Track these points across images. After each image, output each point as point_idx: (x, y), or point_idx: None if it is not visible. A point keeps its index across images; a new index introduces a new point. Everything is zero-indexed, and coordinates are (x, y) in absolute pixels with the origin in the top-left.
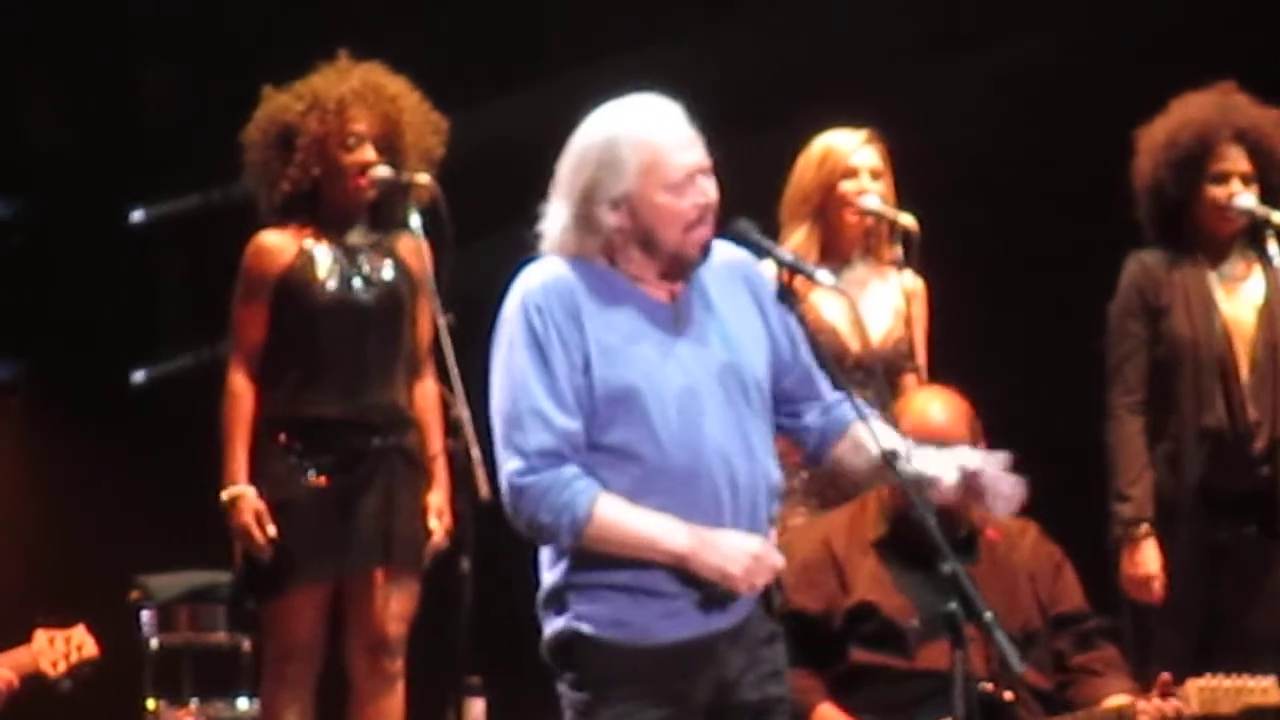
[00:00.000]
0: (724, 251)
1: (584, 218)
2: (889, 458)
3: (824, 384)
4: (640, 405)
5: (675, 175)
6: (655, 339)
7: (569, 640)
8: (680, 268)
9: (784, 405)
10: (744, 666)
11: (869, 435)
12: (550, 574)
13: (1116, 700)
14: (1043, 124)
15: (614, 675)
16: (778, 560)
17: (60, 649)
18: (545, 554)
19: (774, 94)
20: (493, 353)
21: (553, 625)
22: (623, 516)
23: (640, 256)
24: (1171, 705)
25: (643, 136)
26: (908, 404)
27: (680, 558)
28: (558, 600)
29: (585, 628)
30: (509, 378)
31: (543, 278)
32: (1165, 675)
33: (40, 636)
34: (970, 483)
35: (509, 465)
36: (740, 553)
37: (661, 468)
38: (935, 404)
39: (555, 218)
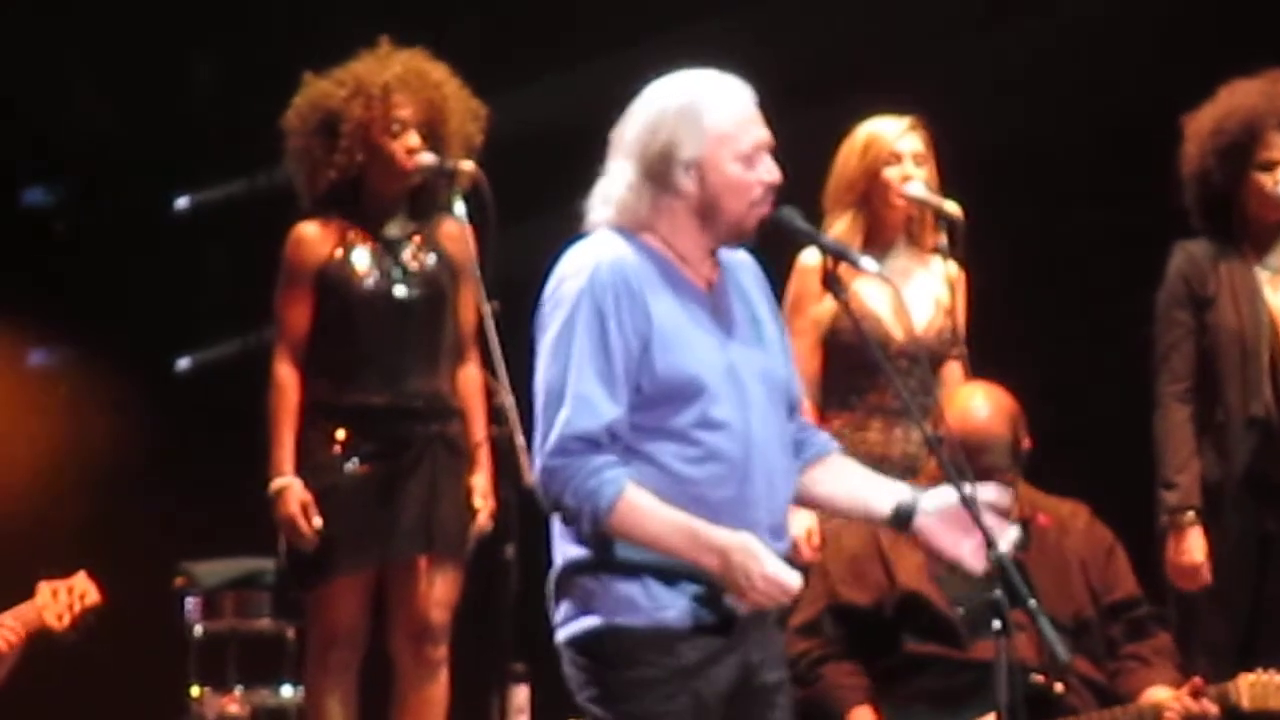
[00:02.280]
0: (738, 253)
1: (655, 177)
2: (902, 515)
3: (803, 402)
4: (701, 390)
5: (746, 147)
6: (709, 328)
7: (600, 634)
8: (733, 240)
9: None
10: (763, 649)
11: (870, 481)
12: (576, 549)
13: (1151, 697)
14: (1086, 110)
15: (648, 659)
16: (794, 583)
17: (64, 600)
18: (567, 531)
19: (812, 76)
20: (544, 323)
21: (580, 622)
22: (645, 515)
23: (696, 229)
24: (1201, 705)
25: (721, 104)
26: (951, 399)
27: (704, 568)
28: (587, 579)
29: (621, 620)
30: (562, 354)
31: (610, 256)
32: (1197, 679)
33: (44, 589)
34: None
35: (546, 444)
36: (759, 570)
37: (717, 454)
38: (978, 399)
39: (618, 179)
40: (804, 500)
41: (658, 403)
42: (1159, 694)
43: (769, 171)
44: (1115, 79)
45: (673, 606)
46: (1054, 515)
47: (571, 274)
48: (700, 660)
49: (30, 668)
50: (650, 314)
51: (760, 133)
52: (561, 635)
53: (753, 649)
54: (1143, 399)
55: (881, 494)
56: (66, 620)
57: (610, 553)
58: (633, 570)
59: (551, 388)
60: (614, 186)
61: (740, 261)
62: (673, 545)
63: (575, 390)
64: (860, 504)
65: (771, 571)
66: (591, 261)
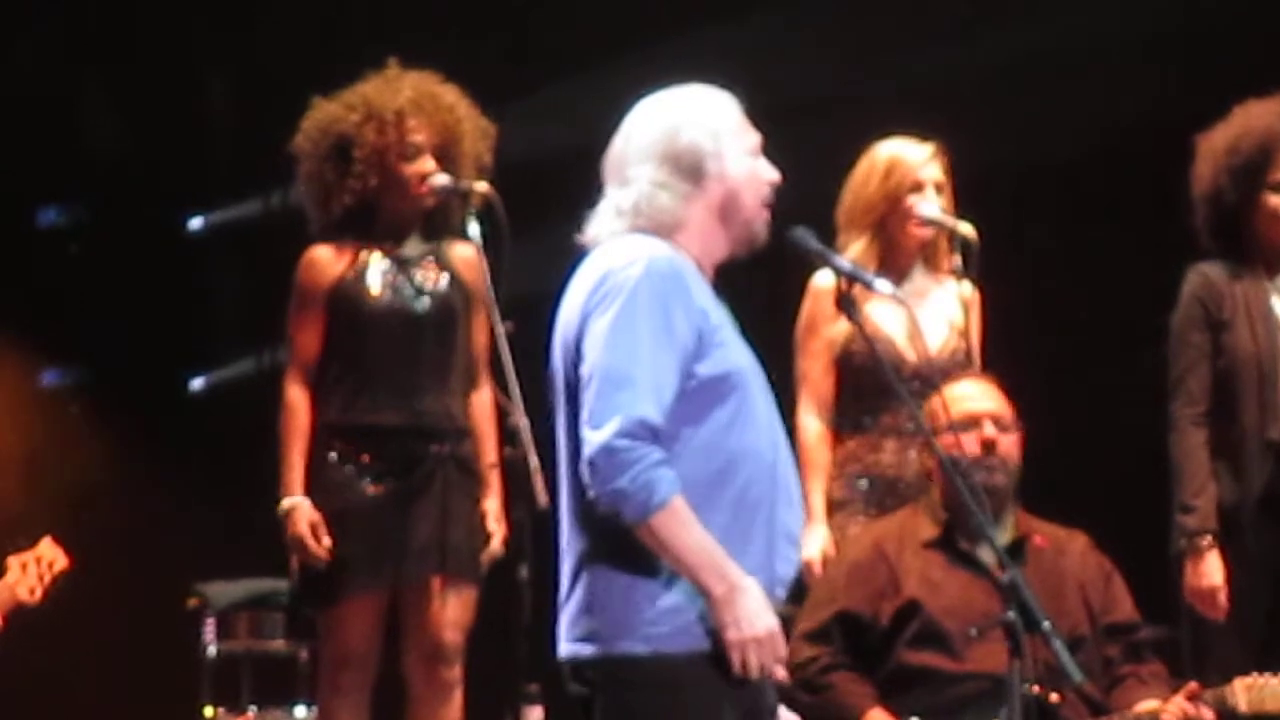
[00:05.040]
0: None
1: (686, 171)
2: None
3: None
4: (742, 384)
5: (754, 144)
6: (731, 325)
7: (641, 660)
8: (746, 243)
9: None
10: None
11: None
12: (608, 564)
13: (1146, 705)
14: (1099, 131)
15: (689, 683)
16: (782, 650)
17: (34, 572)
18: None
19: (818, 92)
20: (597, 310)
21: (618, 645)
22: (686, 523)
23: (716, 232)
24: (1197, 709)
25: (722, 107)
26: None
27: (709, 593)
28: (621, 601)
29: (662, 647)
30: (626, 337)
31: (661, 249)
32: (1193, 684)
33: (13, 565)
34: None
35: (610, 424)
36: (765, 623)
37: (756, 451)
38: (965, 383)
39: (641, 181)
40: None
41: (708, 396)
42: (1152, 704)
43: (769, 170)
44: (1127, 96)
45: (700, 630)
46: (1050, 538)
47: (625, 264)
48: (732, 684)
49: (40, 684)
50: (703, 307)
51: (756, 135)
52: (587, 651)
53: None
54: (1157, 420)
55: None
56: (39, 593)
57: (654, 570)
58: (668, 590)
59: (615, 369)
60: (635, 191)
61: None
62: (694, 560)
63: (642, 376)
64: None
65: (773, 631)
66: (646, 253)
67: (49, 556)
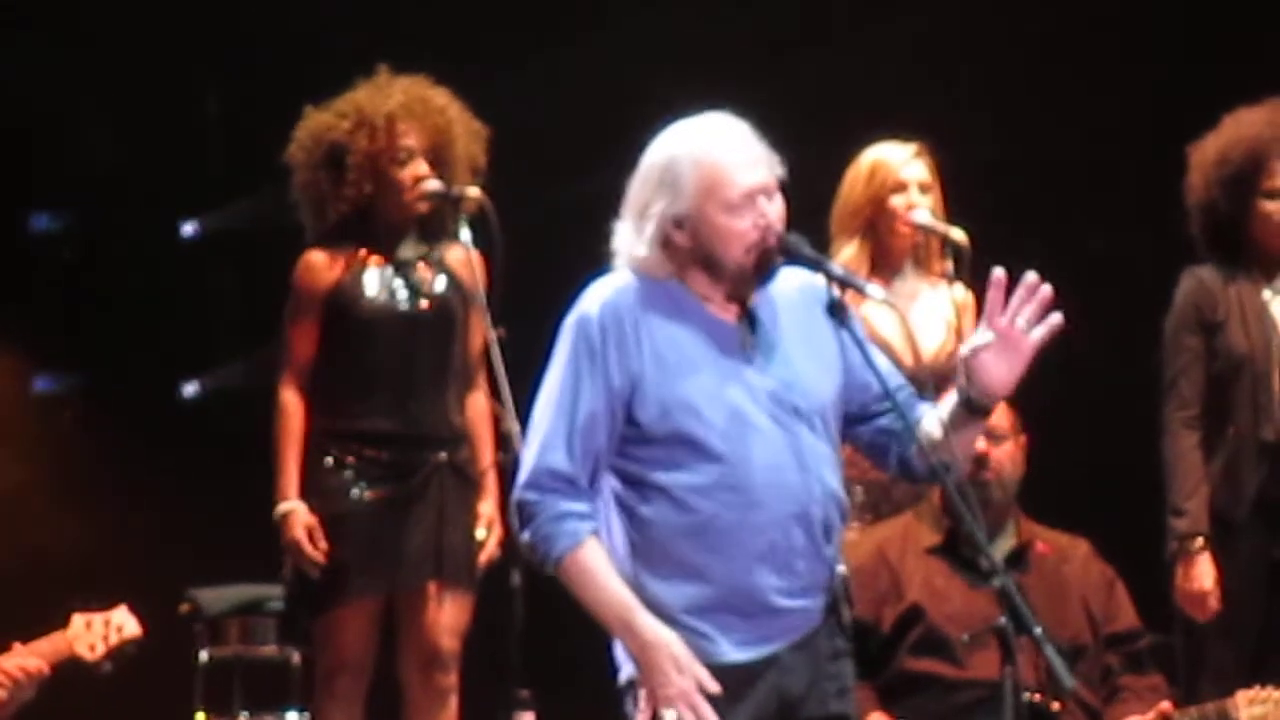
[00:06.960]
0: (798, 275)
1: (650, 235)
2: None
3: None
4: (697, 418)
5: (735, 196)
6: (716, 358)
7: (635, 683)
8: (744, 287)
9: (864, 420)
10: (810, 681)
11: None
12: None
13: None
14: (1093, 137)
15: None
16: (697, 706)
17: (99, 631)
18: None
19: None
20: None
21: (623, 670)
22: (590, 579)
23: (704, 276)
24: None
25: (704, 156)
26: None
27: (627, 646)
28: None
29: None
30: (549, 389)
31: (605, 294)
32: (1164, 705)
33: (77, 621)
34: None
35: (522, 475)
36: (678, 683)
37: (719, 483)
38: None
39: (623, 235)
40: (927, 473)
41: (657, 433)
42: None
43: (763, 215)
44: (1125, 97)
45: (704, 649)
46: (1053, 545)
47: (572, 314)
48: (733, 693)
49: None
50: (642, 349)
51: (750, 178)
52: (620, 679)
53: (792, 680)
54: (1151, 424)
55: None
56: (100, 651)
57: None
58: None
59: (535, 423)
60: (620, 243)
61: (798, 287)
62: (605, 617)
63: (553, 426)
64: (949, 428)
65: (688, 688)
66: (590, 300)
67: (119, 620)
